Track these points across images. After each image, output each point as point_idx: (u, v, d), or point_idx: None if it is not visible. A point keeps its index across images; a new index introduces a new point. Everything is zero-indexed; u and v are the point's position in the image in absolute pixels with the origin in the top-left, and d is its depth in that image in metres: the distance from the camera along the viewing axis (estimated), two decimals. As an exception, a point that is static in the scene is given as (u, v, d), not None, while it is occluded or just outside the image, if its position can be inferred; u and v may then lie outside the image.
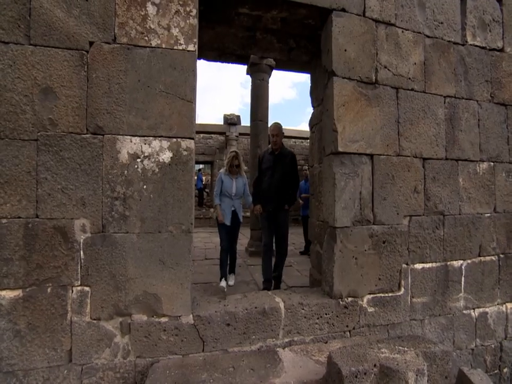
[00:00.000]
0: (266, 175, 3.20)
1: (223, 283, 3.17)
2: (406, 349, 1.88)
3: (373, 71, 2.38)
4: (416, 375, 1.65)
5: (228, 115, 10.64)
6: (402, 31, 2.48)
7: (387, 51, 2.43)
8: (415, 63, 2.52)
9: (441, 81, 2.62)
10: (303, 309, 2.23)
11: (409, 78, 2.50)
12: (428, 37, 2.58)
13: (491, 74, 2.81)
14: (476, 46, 2.76)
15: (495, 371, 2.74)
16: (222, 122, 10.67)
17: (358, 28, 2.34)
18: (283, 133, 3.26)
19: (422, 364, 1.71)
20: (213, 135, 11.69)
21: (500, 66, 2.84)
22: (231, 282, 3.45)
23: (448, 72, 2.64)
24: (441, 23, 2.63)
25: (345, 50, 2.30)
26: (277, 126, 3.23)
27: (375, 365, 1.68)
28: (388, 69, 2.43)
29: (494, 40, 2.83)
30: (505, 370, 2.77)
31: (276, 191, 3.11)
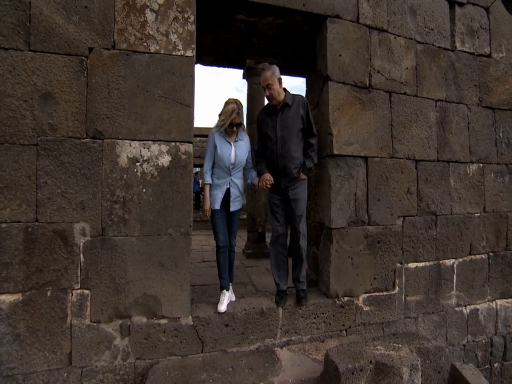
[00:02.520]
0: (270, 142, 2.24)
1: (222, 300, 2.20)
2: (400, 345, 1.93)
3: (366, 75, 2.45)
4: (410, 370, 1.70)
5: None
6: (395, 37, 2.55)
7: (380, 56, 2.50)
8: (407, 68, 2.60)
9: (432, 86, 2.70)
10: (300, 309, 2.28)
11: (402, 83, 2.57)
12: (419, 42, 2.66)
13: (479, 79, 2.90)
14: (465, 51, 2.85)
15: (486, 366, 2.82)
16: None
17: (352, 34, 2.40)
18: (280, 78, 2.22)
19: (416, 359, 1.77)
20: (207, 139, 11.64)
21: (488, 71, 2.94)
22: (232, 298, 2.33)
23: (438, 76, 2.73)
24: (432, 29, 2.71)
25: (340, 55, 2.36)
26: (266, 73, 2.21)
27: (370, 362, 1.73)
28: (381, 74, 2.50)
29: (481, 46, 2.93)
30: (495, 365, 2.86)
31: (286, 162, 2.21)
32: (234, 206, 2.28)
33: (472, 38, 2.90)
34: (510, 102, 3.03)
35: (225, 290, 2.26)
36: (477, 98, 2.90)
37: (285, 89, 2.28)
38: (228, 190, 2.24)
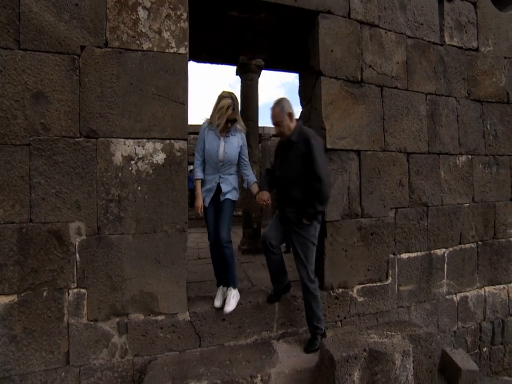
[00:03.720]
0: (277, 176, 2.13)
1: (218, 295, 2.18)
2: (393, 333, 2.00)
3: (358, 70, 2.48)
4: (403, 356, 1.77)
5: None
6: (386, 32, 2.58)
7: (371, 51, 2.53)
8: (398, 62, 2.63)
9: (423, 79, 2.75)
10: (295, 301, 2.32)
11: (393, 77, 2.61)
12: (410, 37, 2.70)
13: (467, 73, 2.96)
14: (454, 46, 2.90)
15: (476, 350, 2.92)
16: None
17: (343, 29, 2.42)
18: (290, 113, 2.01)
19: (408, 345, 1.84)
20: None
21: (475, 64, 3.00)
22: (228, 308, 2.09)
23: (428, 70, 2.77)
24: (421, 24, 2.75)
25: (332, 50, 2.38)
26: (274, 109, 2.03)
27: (364, 350, 1.79)
28: (373, 68, 2.53)
29: (469, 41, 2.98)
30: (484, 349, 2.97)
31: (286, 202, 2.08)
32: (223, 197, 2.10)
33: (461, 33, 2.95)
34: (497, 95, 3.10)
35: (221, 286, 2.22)
36: (466, 91, 2.96)
37: (298, 120, 2.11)
38: (218, 186, 2.09)
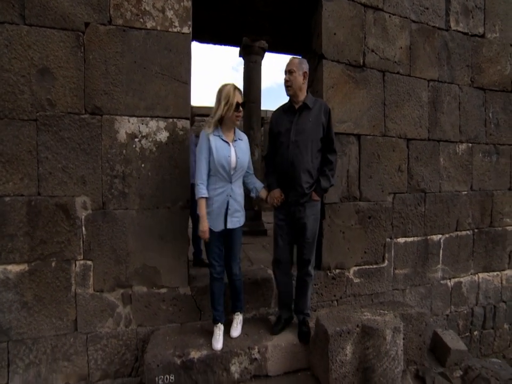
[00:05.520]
0: (282, 146, 1.95)
1: (217, 336, 1.93)
2: (386, 312, 2.07)
3: (360, 54, 2.48)
4: (393, 332, 1.85)
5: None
6: (390, 16, 2.57)
7: (375, 35, 2.52)
8: (401, 47, 2.63)
9: (426, 65, 2.74)
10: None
11: (395, 62, 2.61)
12: (414, 22, 2.68)
13: (472, 60, 2.94)
14: (459, 31, 2.88)
15: (467, 334, 3.01)
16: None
17: (347, 12, 2.41)
18: (305, 73, 1.93)
19: (399, 323, 1.91)
20: (205, 118, 11.56)
21: (480, 51, 2.98)
22: (235, 333, 2.00)
23: (432, 56, 2.76)
24: (427, 8, 2.72)
25: (335, 34, 2.38)
26: (294, 59, 1.95)
27: (357, 325, 1.87)
28: (375, 53, 2.53)
29: (475, 26, 2.95)
30: (475, 333, 3.06)
31: (297, 172, 1.90)
32: (232, 223, 1.88)
33: (467, 18, 2.92)
34: (501, 83, 3.09)
35: (219, 323, 1.96)
36: (469, 78, 2.95)
37: (307, 91, 2.00)
38: (227, 203, 1.85)
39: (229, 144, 1.86)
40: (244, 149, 1.94)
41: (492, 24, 3.02)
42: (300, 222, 1.96)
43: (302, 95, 1.96)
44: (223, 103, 1.81)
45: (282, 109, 2.05)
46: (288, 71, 1.93)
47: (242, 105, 1.86)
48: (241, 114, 1.89)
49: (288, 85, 1.94)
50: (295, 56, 2.04)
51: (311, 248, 2.02)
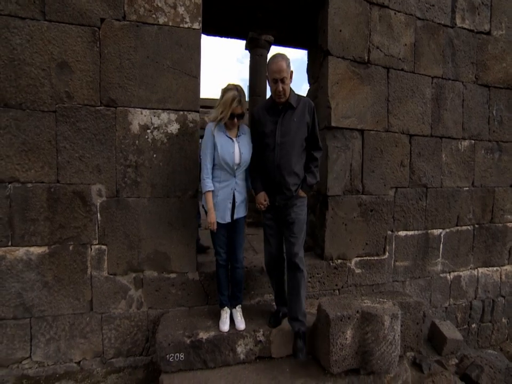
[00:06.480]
0: (267, 148, 1.89)
1: (224, 318, 2.04)
2: (385, 300, 2.16)
3: (365, 51, 2.54)
4: (391, 319, 1.93)
5: (225, 91, 10.48)
6: (395, 13, 2.61)
7: (380, 32, 2.57)
8: (405, 44, 2.68)
9: (430, 62, 2.78)
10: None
11: (400, 59, 2.66)
12: (419, 19, 2.72)
13: (477, 57, 2.97)
14: (464, 28, 2.91)
15: (465, 326, 3.09)
16: (219, 97, 10.52)
17: (353, 9, 2.47)
18: (291, 72, 1.84)
19: (397, 310, 2.00)
20: (210, 110, 11.56)
21: (486, 49, 3.00)
22: (242, 325, 2.03)
23: (436, 53, 2.80)
24: (433, 5, 2.76)
25: (340, 30, 2.44)
26: (281, 62, 1.78)
27: (357, 311, 1.95)
28: (380, 50, 2.58)
29: (481, 23, 2.97)
30: (473, 326, 3.13)
31: (285, 176, 1.87)
32: (238, 213, 1.98)
33: (473, 15, 2.95)
34: (506, 81, 3.12)
35: (226, 307, 2.07)
36: (473, 76, 2.98)
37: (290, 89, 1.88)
38: (233, 195, 1.94)
39: (232, 140, 1.91)
40: (247, 143, 1.96)
41: (498, 21, 3.04)
42: (288, 220, 1.94)
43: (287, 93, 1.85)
44: (220, 110, 1.85)
45: (265, 107, 1.95)
46: (281, 80, 1.78)
47: (238, 116, 1.86)
48: (237, 123, 1.90)
49: (281, 95, 1.82)
50: (280, 54, 1.83)
51: (299, 242, 1.95)
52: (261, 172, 1.98)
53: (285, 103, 1.86)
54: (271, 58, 1.84)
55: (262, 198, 1.96)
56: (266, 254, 2.08)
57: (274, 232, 2.02)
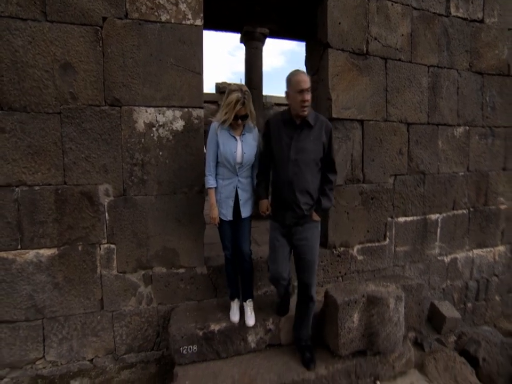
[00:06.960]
0: (280, 162, 1.85)
1: (234, 309, 2.10)
2: (388, 284, 2.25)
3: (364, 42, 2.57)
4: (396, 301, 2.03)
5: (219, 84, 10.40)
6: (392, 4, 2.64)
7: (377, 23, 2.60)
8: (402, 35, 2.71)
9: (426, 52, 2.83)
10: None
11: (397, 49, 2.70)
12: (415, 9, 2.75)
13: (471, 45, 3.03)
14: (459, 17, 2.95)
15: (461, 306, 3.24)
16: (213, 91, 10.43)
17: (351, 1, 2.48)
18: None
19: (401, 293, 2.10)
20: (204, 104, 11.38)
21: (479, 36, 3.06)
22: (251, 321, 2.06)
23: (432, 42, 2.85)
24: (428, -6, 2.79)
25: (339, 23, 2.46)
26: (305, 74, 1.80)
27: (363, 296, 2.04)
28: (378, 41, 2.62)
29: (475, 12, 3.02)
30: (469, 305, 3.29)
31: (297, 194, 1.81)
32: (245, 212, 1.96)
33: (467, 3, 2.99)
34: (498, 67, 3.19)
35: (236, 299, 2.11)
36: (468, 63, 3.04)
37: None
38: (236, 193, 1.94)
39: (236, 139, 1.90)
40: (252, 143, 1.93)
41: (491, 9, 3.10)
42: (299, 244, 1.87)
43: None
44: (224, 111, 1.83)
45: (282, 119, 1.87)
46: (307, 90, 1.74)
47: (242, 117, 1.85)
48: (241, 123, 1.89)
49: (307, 105, 1.76)
50: (301, 71, 1.85)
51: (312, 271, 1.90)
52: (269, 185, 1.98)
53: (302, 120, 1.81)
54: (292, 74, 1.80)
55: (265, 207, 1.97)
56: (271, 270, 1.99)
57: (280, 245, 1.92)
